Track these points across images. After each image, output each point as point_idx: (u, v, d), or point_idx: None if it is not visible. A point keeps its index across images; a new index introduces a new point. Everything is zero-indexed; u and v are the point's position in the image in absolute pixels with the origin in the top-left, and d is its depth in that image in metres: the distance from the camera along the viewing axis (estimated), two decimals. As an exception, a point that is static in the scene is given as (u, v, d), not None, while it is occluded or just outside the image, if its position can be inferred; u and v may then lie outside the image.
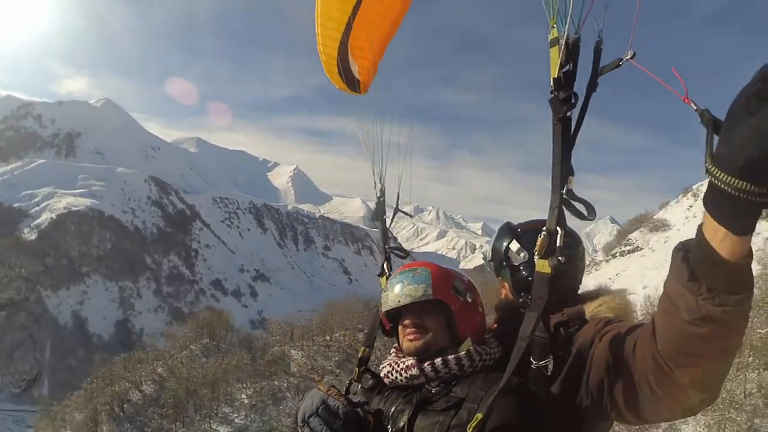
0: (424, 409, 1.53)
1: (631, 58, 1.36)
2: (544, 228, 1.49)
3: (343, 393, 1.67)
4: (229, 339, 44.07)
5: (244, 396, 38.32)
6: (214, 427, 35.10)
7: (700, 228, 1.04)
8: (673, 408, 1.27)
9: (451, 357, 1.60)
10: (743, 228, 0.95)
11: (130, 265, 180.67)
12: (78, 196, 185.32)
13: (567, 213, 1.52)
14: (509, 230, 2.05)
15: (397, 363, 1.69)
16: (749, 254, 1.00)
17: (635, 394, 1.33)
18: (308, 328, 46.82)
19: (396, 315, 1.77)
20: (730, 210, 0.93)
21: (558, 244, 1.46)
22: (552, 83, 1.45)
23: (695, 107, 1.08)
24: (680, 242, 1.15)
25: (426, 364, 1.61)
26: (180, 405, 35.95)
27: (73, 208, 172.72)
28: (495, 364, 1.64)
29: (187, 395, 35.93)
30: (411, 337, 1.68)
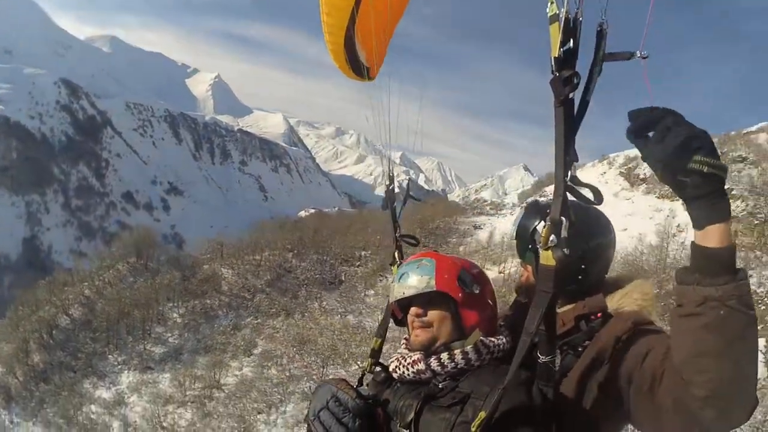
0: (430, 405, 1.52)
1: (645, 58, 1.30)
2: (549, 218, 1.41)
3: (354, 386, 1.64)
4: (156, 257, 43.69)
5: (176, 315, 38.87)
6: (148, 347, 35.72)
7: (692, 241, 1.24)
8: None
9: (457, 351, 1.59)
10: (708, 213, 1.19)
11: (37, 176, 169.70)
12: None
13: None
14: (537, 210, 1.94)
15: (404, 358, 1.68)
16: (727, 242, 1.17)
17: (656, 418, 1.34)
18: (238, 247, 47.25)
19: (407, 305, 1.76)
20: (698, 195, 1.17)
21: (563, 235, 1.38)
22: (552, 62, 1.34)
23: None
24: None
25: (432, 358, 1.60)
26: (112, 328, 36.07)
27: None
28: (505, 356, 1.62)
29: (118, 317, 36.03)
30: (417, 330, 1.68)
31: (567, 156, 1.37)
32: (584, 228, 1.77)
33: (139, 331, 36.68)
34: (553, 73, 1.35)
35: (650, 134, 1.20)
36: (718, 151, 1.16)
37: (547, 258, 1.40)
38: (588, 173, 76.49)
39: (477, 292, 1.69)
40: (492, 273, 52.22)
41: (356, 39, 2.80)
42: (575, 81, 1.32)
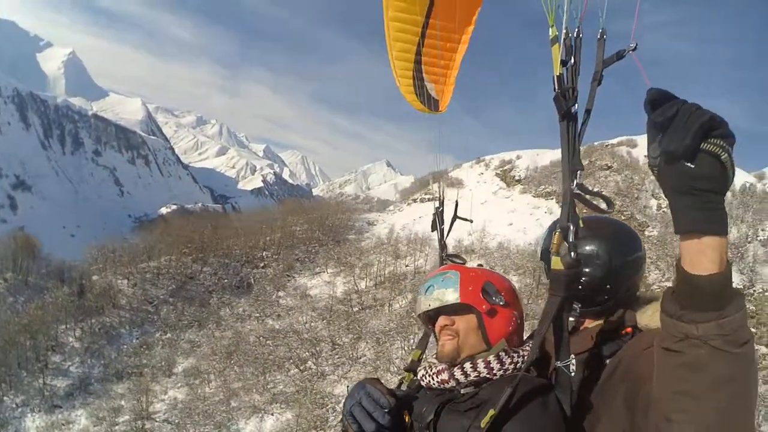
0: (449, 409, 1.57)
1: (633, 50, 1.39)
2: (557, 225, 1.47)
3: (387, 387, 1.67)
4: (36, 270, 35.83)
5: (72, 339, 33.30)
6: (48, 382, 30.11)
7: (678, 259, 1.07)
8: None
9: (480, 360, 1.61)
10: (694, 223, 0.99)
11: None
12: None
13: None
14: None
15: (430, 367, 1.71)
16: (719, 267, 0.99)
17: None
18: (131, 254, 41.20)
19: (433, 316, 1.79)
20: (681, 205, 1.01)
21: (570, 240, 1.43)
22: (555, 81, 1.47)
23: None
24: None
25: (456, 369, 1.63)
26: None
27: None
28: (529, 368, 1.63)
29: (5, 348, 28.88)
30: (443, 341, 1.71)
31: (572, 165, 1.45)
32: (611, 245, 1.80)
33: (33, 362, 30.26)
34: (555, 90, 1.46)
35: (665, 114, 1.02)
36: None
37: (556, 263, 1.44)
38: (466, 173, 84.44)
39: (502, 304, 1.69)
40: (398, 266, 53.33)
41: (424, 74, 3.01)
42: (575, 96, 1.43)
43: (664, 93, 1.00)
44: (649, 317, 1.62)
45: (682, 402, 1.05)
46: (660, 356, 1.11)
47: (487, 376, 1.58)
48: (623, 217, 56.97)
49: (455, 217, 2.80)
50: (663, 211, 54.02)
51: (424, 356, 2.09)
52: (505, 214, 65.10)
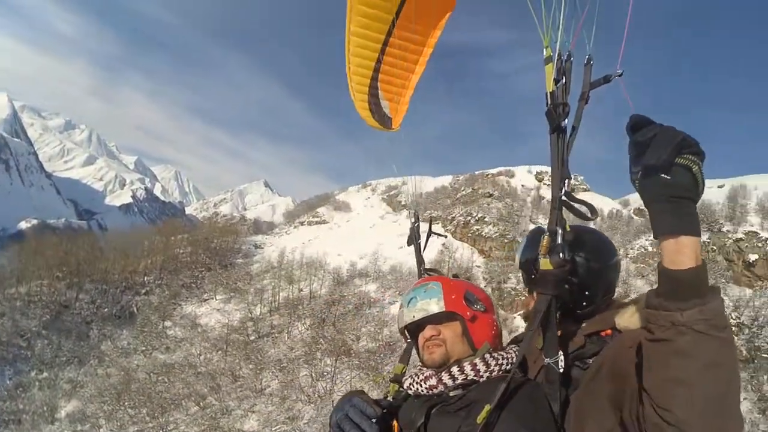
0: (438, 411, 1.61)
1: (620, 75, 1.50)
2: (546, 229, 1.59)
3: (372, 398, 1.68)
4: None
5: None
6: None
7: (659, 261, 1.19)
8: None
9: (466, 363, 1.65)
10: (670, 225, 1.13)
11: None
12: None
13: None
14: (538, 241, 1.87)
15: (417, 375, 1.73)
16: (694, 262, 1.12)
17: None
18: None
19: (415, 329, 1.82)
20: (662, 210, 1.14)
21: (558, 242, 1.54)
22: (548, 97, 1.59)
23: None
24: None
25: (444, 373, 1.65)
26: None
27: None
28: (513, 368, 1.66)
29: None
30: (430, 349, 1.72)
31: (562, 173, 1.56)
32: (589, 251, 1.88)
33: None
34: (547, 105, 1.59)
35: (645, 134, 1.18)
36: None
37: (545, 264, 1.55)
38: (353, 197, 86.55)
39: (482, 310, 1.77)
40: (292, 291, 52.39)
41: (380, 91, 3.10)
42: (566, 111, 1.56)
43: (645, 118, 1.16)
44: (627, 319, 1.68)
45: (674, 389, 1.11)
46: (649, 348, 1.18)
47: (474, 378, 1.63)
48: (506, 241, 62.97)
49: (430, 232, 2.85)
50: None
51: (406, 369, 2.09)
52: (396, 237, 67.59)
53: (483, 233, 62.33)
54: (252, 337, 45.32)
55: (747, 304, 40.12)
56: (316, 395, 37.17)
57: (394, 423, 1.65)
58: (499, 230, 61.93)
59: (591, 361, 1.60)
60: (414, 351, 1.96)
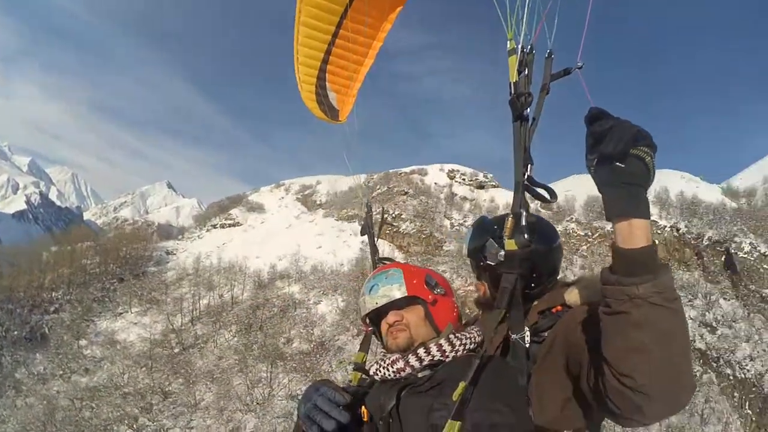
0: (408, 393, 1.62)
1: (579, 68, 1.58)
2: (510, 212, 1.68)
3: (339, 386, 1.69)
4: None
5: None
6: None
7: (612, 241, 1.27)
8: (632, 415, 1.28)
9: (432, 345, 1.68)
10: (626, 208, 1.21)
11: None
12: None
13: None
14: (484, 228, 2.13)
15: (383, 360, 1.74)
16: (646, 242, 1.20)
17: (599, 398, 1.34)
18: None
19: (377, 317, 1.83)
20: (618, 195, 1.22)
21: (522, 224, 1.63)
22: (511, 87, 1.69)
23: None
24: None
25: (410, 356, 1.67)
26: None
27: None
28: (477, 348, 1.73)
29: None
30: (394, 334, 1.74)
31: (525, 160, 1.65)
32: (535, 235, 1.85)
33: None
34: (511, 95, 1.68)
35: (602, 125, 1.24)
36: None
37: (510, 244, 1.64)
38: (267, 198, 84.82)
39: (443, 293, 1.80)
40: (213, 298, 51.19)
41: (327, 83, 3.10)
42: (529, 101, 1.66)
43: (602, 110, 1.24)
44: (576, 295, 1.78)
45: (633, 357, 1.19)
46: (607, 321, 1.25)
47: (441, 358, 1.65)
48: (423, 236, 65.80)
49: (383, 222, 3.61)
50: (456, 229, 64.89)
51: (366, 358, 2.12)
52: (312, 237, 67.77)
53: (401, 230, 64.86)
54: (176, 350, 44.00)
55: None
56: (255, 403, 37.27)
57: (363, 409, 1.63)
58: (416, 227, 64.94)
59: (546, 335, 1.66)
60: (374, 339, 2.00)
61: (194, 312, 48.99)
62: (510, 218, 1.64)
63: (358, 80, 3.12)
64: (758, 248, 46.08)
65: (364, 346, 2.11)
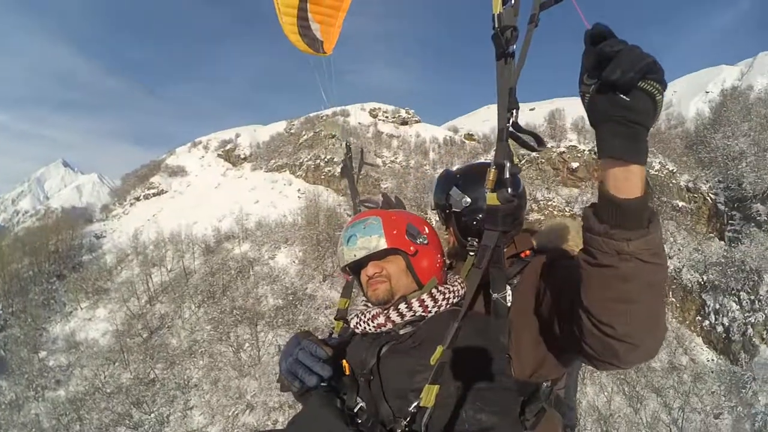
0: (390, 350, 1.57)
1: None
2: (492, 162, 1.51)
3: (320, 339, 1.64)
4: None
5: None
6: None
7: (600, 182, 1.16)
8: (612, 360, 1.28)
9: (414, 300, 1.61)
10: (623, 152, 1.07)
11: None
12: None
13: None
14: (448, 178, 2.10)
15: (363, 314, 1.69)
16: (641, 191, 1.10)
17: (575, 341, 1.33)
18: None
19: (356, 267, 1.75)
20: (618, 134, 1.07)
21: (506, 176, 1.49)
22: (495, 19, 1.45)
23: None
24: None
25: (391, 310, 1.61)
26: None
27: None
28: (460, 302, 1.66)
29: None
30: (374, 286, 1.68)
31: (509, 104, 1.45)
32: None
33: None
34: (494, 29, 1.45)
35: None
36: None
37: (492, 199, 1.49)
38: (186, 159, 79.92)
39: (426, 243, 1.71)
40: (163, 273, 49.32)
41: (309, 13, 2.90)
42: (515, 36, 1.43)
43: (609, 29, 1.06)
44: (544, 239, 1.88)
45: (616, 307, 1.17)
46: (590, 272, 1.19)
47: (423, 314, 1.60)
48: (359, 178, 65.54)
49: (362, 162, 3.82)
50: (388, 167, 65.30)
51: (350, 304, 2.07)
52: (246, 193, 65.85)
53: (336, 173, 64.39)
54: (144, 335, 42.83)
55: (576, 200, 50.04)
56: (248, 366, 37.72)
57: (344, 363, 1.58)
58: (355, 169, 64.66)
59: (516, 280, 1.65)
60: (356, 285, 1.93)
61: (149, 292, 47.23)
62: (492, 169, 1.50)
63: (343, 10, 2.98)
64: (666, 166, 51.71)
65: (347, 292, 2.07)
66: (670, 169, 52.74)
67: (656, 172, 51.48)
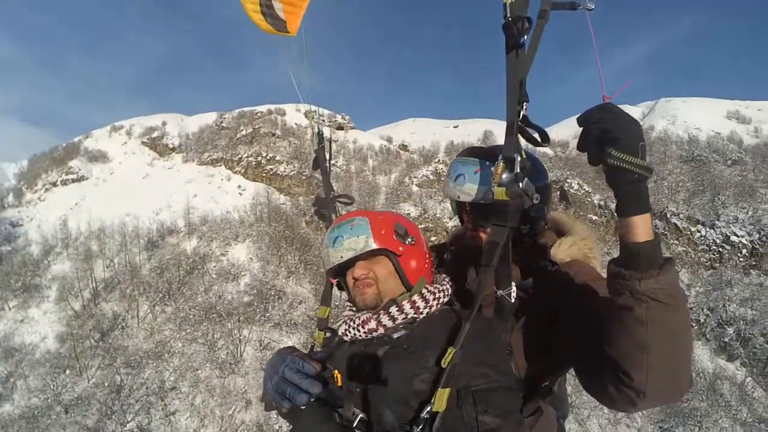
0: (386, 356, 1.50)
1: (590, 10, 1.40)
2: (501, 156, 1.47)
3: (305, 352, 1.55)
4: None
5: None
6: None
7: (620, 235, 1.24)
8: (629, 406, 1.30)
9: (405, 302, 1.57)
10: (635, 206, 1.20)
11: None
12: None
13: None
14: (473, 156, 1.87)
15: (352, 319, 1.61)
16: (646, 236, 1.19)
17: (597, 374, 1.35)
18: None
19: (342, 269, 1.69)
20: (633, 191, 1.20)
21: (516, 171, 1.44)
22: (506, 8, 1.43)
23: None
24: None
25: (382, 314, 1.56)
26: None
27: None
28: (450, 300, 1.67)
29: None
30: (361, 290, 1.62)
31: (520, 97, 1.44)
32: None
33: None
34: (505, 18, 1.42)
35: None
36: (640, 144, 1.19)
37: (500, 194, 1.44)
38: (107, 144, 72.64)
39: (414, 243, 1.66)
40: (105, 267, 44.82)
41: None
42: (527, 26, 1.40)
43: (592, 111, 1.23)
44: (564, 251, 1.74)
45: (635, 356, 1.19)
46: (610, 315, 1.24)
47: (415, 316, 1.56)
48: (304, 177, 65.36)
49: (331, 155, 2.61)
50: (331, 171, 65.86)
51: (330, 312, 1.98)
52: (181, 185, 62.74)
53: (278, 172, 63.18)
54: (96, 337, 38.88)
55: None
56: (230, 364, 36.39)
57: (336, 373, 1.47)
58: (295, 168, 63.86)
59: (530, 292, 1.63)
60: (336, 292, 1.90)
61: (91, 289, 42.75)
62: (500, 163, 1.46)
63: None
64: (583, 187, 63.99)
65: (326, 300, 2.00)
66: (586, 189, 63.94)
67: (575, 191, 62.27)
